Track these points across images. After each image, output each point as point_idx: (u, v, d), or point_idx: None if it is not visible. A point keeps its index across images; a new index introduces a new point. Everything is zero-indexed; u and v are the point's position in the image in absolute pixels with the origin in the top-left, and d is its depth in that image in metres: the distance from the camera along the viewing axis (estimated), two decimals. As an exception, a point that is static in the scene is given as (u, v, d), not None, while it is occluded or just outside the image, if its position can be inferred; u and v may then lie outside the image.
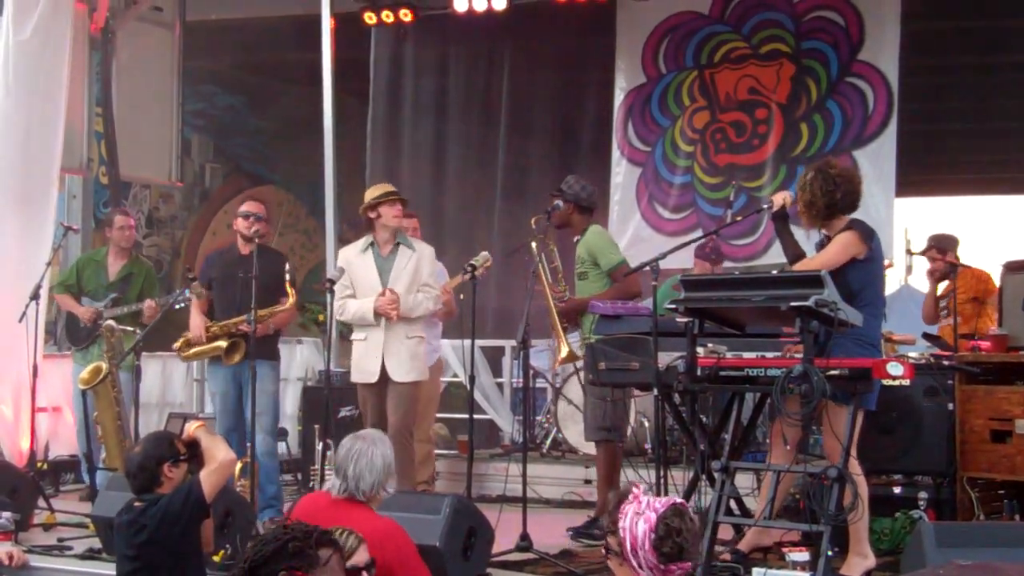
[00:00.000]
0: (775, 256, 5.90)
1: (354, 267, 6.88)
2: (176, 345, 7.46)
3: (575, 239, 7.02)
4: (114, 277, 8.34)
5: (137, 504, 4.68)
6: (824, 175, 5.46)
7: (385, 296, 6.72)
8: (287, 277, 7.02)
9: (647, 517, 3.50)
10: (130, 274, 8.37)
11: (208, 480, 4.60)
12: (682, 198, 10.35)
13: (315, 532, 3.43)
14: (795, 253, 5.71)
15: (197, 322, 7.27)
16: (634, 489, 3.61)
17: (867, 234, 5.40)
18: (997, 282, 7.79)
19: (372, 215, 6.89)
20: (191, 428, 4.84)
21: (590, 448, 8.50)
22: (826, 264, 5.26)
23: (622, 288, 6.80)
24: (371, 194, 6.96)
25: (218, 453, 4.69)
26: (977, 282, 7.94)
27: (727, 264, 9.50)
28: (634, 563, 3.48)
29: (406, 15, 10.75)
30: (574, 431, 8.53)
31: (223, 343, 7.18)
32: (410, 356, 6.81)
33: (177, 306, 7.66)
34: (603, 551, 3.66)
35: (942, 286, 8.05)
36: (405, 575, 4.32)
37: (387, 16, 10.75)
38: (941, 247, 8.04)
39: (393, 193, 6.91)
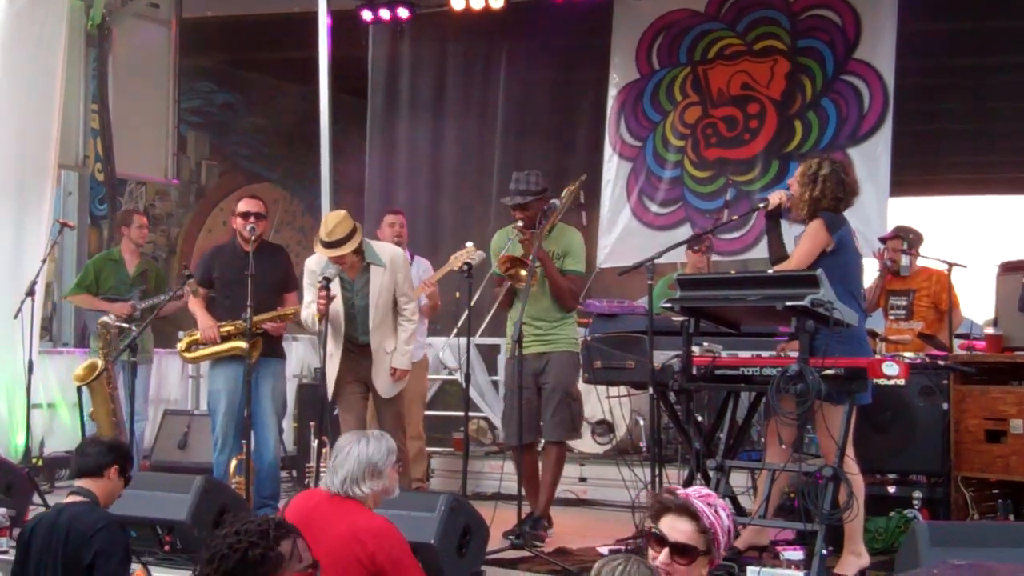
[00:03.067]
0: (765, 251, 5.91)
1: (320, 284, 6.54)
2: (180, 347, 7.32)
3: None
4: (134, 273, 8.44)
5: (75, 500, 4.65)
6: (838, 178, 5.46)
7: (393, 377, 6.69)
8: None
9: (722, 505, 3.44)
10: (145, 271, 8.51)
11: None
12: (671, 192, 10.35)
13: (269, 529, 3.25)
14: (779, 255, 5.69)
15: (209, 322, 7.15)
16: (677, 489, 3.53)
17: (832, 224, 5.39)
18: (957, 287, 7.79)
19: None
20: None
21: (584, 446, 8.54)
22: (801, 260, 5.29)
23: (574, 288, 6.69)
24: (319, 240, 6.57)
25: None
26: (939, 288, 7.79)
27: (717, 258, 9.52)
28: (722, 550, 3.40)
29: (403, 13, 10.75)
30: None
31: (242, 343, 6.93)
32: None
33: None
34: (671, 558, 3.32)
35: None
36: (397, 574, 4.29)
37: (384, 14, 10.76)
38: (912, 242, 7.89)
39: (332, 244, 6.49)
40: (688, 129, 10.33)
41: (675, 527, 3.35)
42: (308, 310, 6.69)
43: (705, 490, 3.55)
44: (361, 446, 4.44)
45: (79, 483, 4.72)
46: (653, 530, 3.38)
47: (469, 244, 7.26)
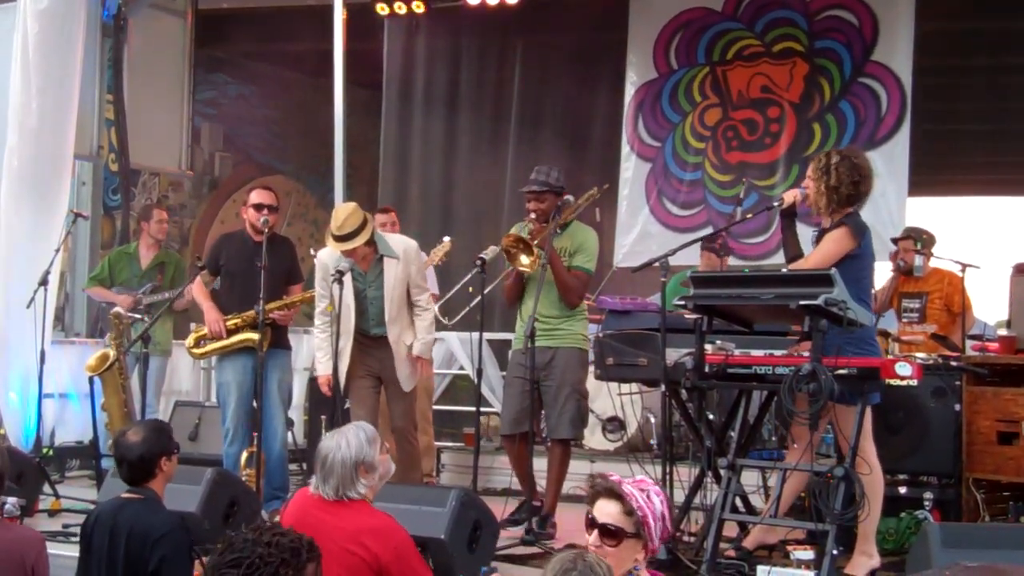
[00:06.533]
0: (786, 253, 5.94)
1: (333, 278, 6.50)
2: (189, 343, 7.31)
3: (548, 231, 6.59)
4: (146, 266, 8.60)
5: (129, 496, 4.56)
6: (850, 163, 5.45)
7: (416, 370, 6.70)
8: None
9: (656, 491, 3.58)
10: (162, 263, 8.64)
11: None
12: (692, 195, 10.34)
13: (302, 549, 3.22)
14: (795, 253, 5.69)
15: (215, 315, 7.12)
16: (612, 475, 3.65)
17: (859, 230, 5.39)
18: (969, 289, 7.74)
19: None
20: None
21: (595, 443, 8.54)
22: (822, 262, 5.27)
23: (579, 285, 6.65)
24: (330, 233, 6.50)
25: None
26: (951, 289, 7.74)
27: (736, 262, 9.49)
28: (653, 535, 3.52)
29: (418, 7, 10.79)
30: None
31: (252, 334, 6.91)
32: (411, 362, 6.74)
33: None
34: (600, 540, 3.49)
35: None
36: (402, 573, 4.23)
37: (399, 7, 10.77)
38: (926, 243, 7.83)
39: (343, 238, 6.43)
40: (708, 131, 10.31)
41: (604, 510, 3.53)
42: (320, 305, 6.69)
43: (645, 479, 3.69)
44: (343, 449, 4.31)
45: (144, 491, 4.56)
46: (589, 514, 3.56)
47: (447, 239, 7.24)
